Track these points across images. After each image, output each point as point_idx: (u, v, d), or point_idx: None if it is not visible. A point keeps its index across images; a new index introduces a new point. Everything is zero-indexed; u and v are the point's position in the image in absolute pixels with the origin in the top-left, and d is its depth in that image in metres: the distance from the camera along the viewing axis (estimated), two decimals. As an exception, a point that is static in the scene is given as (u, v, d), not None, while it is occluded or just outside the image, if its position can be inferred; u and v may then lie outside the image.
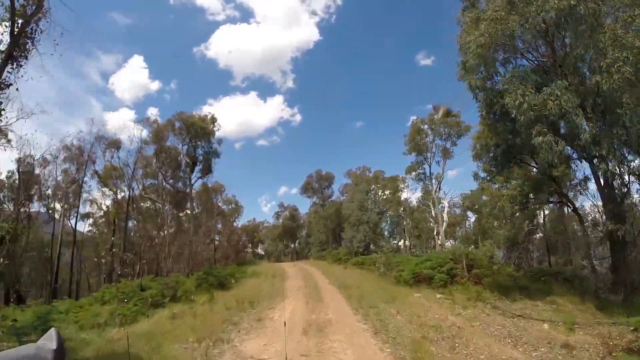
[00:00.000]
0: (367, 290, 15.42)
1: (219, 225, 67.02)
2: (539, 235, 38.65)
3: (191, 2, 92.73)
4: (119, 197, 38.15)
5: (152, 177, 38.97)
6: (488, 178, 14.16)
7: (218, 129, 37.08)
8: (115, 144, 30.39)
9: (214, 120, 36.06)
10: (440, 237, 43.24)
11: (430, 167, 44.23)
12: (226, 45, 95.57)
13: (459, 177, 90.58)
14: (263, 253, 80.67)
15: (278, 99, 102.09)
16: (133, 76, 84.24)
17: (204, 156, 36.46)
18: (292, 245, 73.30)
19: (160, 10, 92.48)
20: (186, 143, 36.65)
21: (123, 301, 12.94)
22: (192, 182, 36.25)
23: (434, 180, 43.48)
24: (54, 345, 0.93)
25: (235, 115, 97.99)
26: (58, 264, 32.43)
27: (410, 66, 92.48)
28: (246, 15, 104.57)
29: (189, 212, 43.11)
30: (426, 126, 42.45)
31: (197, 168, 38.08)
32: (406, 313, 11.58)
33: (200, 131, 35.76)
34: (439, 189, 43.01)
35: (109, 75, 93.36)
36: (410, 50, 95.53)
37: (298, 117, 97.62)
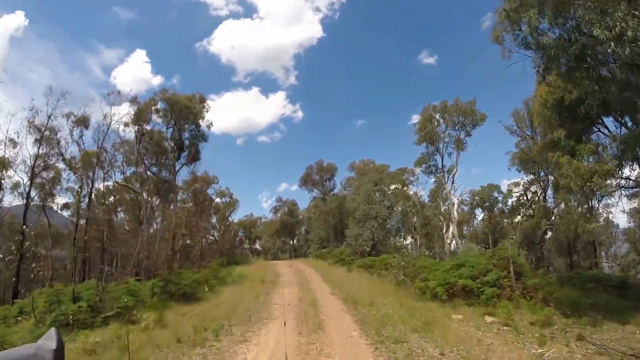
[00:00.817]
0: (385, 307, 11.14)
1: (214, 220, 63.27)
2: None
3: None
4: (99, 185, 33.97)
5: (136, 164, 34.75)
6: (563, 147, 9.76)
7: (207, 110, 32.85)
8: (83, 121, 26.01)
9: (202, 100, 31.85)
10: (450, 235, 39.28)
11: (442, 159, 40.14)
12: (229, 41, 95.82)
13: (465, 173, 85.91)
14: (260, 249, 76.76)
15: (280, 95, 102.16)
16: (135, 71, 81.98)
17: (190, 140, 32.23)
18: (291, 242, 69.01)
19: (163, 5, 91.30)
20: (171, 125, 32.41)
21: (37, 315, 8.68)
22: (177, 169, 32.01)
23: (445, 174, 39.51)
24: (53, 345, 0.91)
25: (237, 111, 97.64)
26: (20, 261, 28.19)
27: (413, 65, 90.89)
28: (249, 11, 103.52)
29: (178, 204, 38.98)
30: (438, 115, 38.43)
31: (183, 154, 33.95)
32: (453, 355, 7.33)
33: (186, 112, 31.51)
34: (452, 182, 38.97)
35: (111, 70, 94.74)
36: (413, 48, 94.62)
37: (300, 114, 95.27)
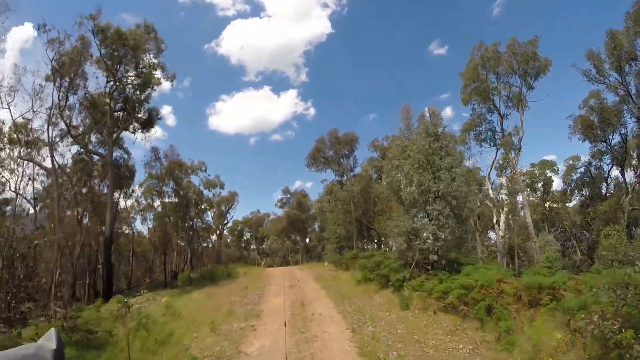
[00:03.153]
0: None
1: (209, 218, 52.72)
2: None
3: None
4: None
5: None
6: None
7: (164, 50, 22.02)
8: None
9: (150, 30, 20.94)
10: (502, 227, 27.63)
11: (502, 121, 28.66)
12: (238, 41, 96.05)
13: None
14: (268, 251, 66.06)
15: (292, 93, 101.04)
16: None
17: (134, 94, 21.56)
18: (304, 241, 57.33)
19: (170, 9, 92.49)
20: (111, 77, 21.69)
21: None
22: (114, 137, 21.25)
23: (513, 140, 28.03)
24: (53, 345, 0.91)
25: (249, 111, 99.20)
26: None
27: (424, 56, 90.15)
28: (257, 10, 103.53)
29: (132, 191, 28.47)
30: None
31: (138, 126, 23.31)
32: None
33: (128, 51, 20.75)
34: (519, 152, 27.39)
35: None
36: (423, 39, 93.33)
37: (312, 111, 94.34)
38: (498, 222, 28.29)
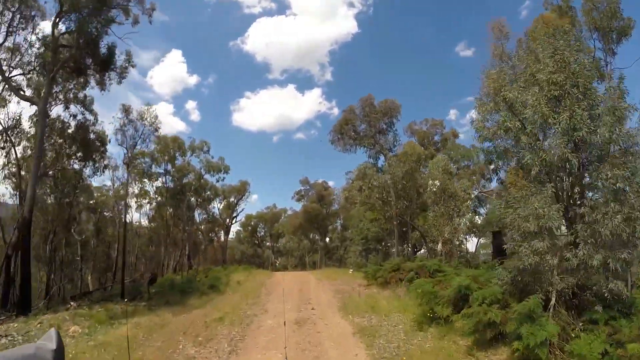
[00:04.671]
0: None
1: (216, 210, 46.08)
2: None
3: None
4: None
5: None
6: None
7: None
8: None
9: None
10: None
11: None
12: (263, 38, 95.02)
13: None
14: (282, 250, 59.15)
15: (316, 92, 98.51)
16: (172, 70, 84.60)
17: (79, 21, 14.79)
18: (324, 241, 49.60)
19: (197, 6, 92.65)
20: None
21: None
22: (52, 75, 14.51)
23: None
24: (53, 345, 0.92)
25: (273, 109, 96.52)
26: None
27: (450, 58, 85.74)
28: (282, 8, 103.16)
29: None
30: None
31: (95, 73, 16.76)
32: None
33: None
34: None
35: (147, 71, 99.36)
36: (449, 41, 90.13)
37: (336, 111, 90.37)
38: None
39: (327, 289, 15.59)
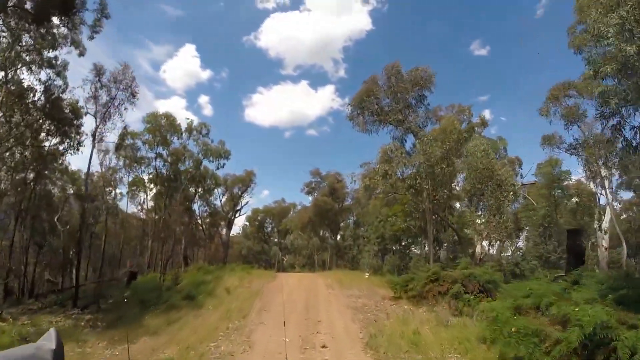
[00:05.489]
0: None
1: (218, 202, 42.39)
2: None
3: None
4: None
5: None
6: None
7: None
8: None
9: None
10: (604, 235, 20.28)
11: None
12: (276, 34, 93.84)
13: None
14: (290, 248, 55.29)
15: (329, 89, 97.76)
16: (185, 65, 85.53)
17: None
18: (336, 239, 45.19)
19: (210, 0, 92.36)
20: None
21: None
22: None
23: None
24: (53, 345, 0.91)
25: (285, 105, 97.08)
26: None
27: (464, 56, 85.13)
28: (296, 3, 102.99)
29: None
30: None
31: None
32: None
33: None
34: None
35: (160, 65, 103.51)
36: (463, 39, 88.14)
37: (349, 108, 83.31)
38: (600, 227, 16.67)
39: (342, 304, 11.59)
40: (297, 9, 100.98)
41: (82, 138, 20.04)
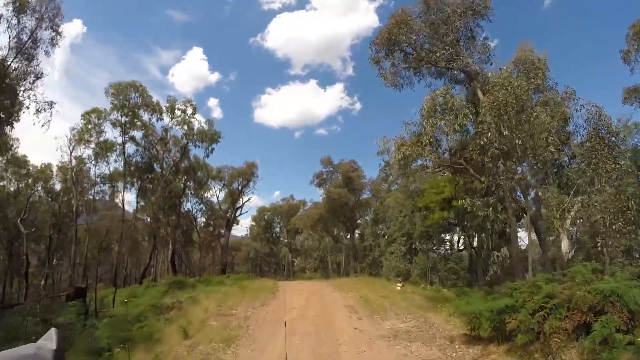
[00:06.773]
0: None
1: (215, 199, 36.87)
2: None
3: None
4: None
5: None
6: None
7: None
8: None
9: None
10: None
11: None
12: (283, 34, 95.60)
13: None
14: (300, 249, 49.67)
15: (338, 87, 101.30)
16: (193, 68, 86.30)
17: None
18: (352, 238, 39.04)
19: (216, 3, 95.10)
20: None
21: None
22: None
23: None
24: (53, 345, 0.90)
25: (294, 105, 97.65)
26: None
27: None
28: (302, 2, 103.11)
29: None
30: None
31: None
32: None
33: None
34: None
35: (168, 69, 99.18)
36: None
37: (358, 106, 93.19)
38: None
39: (368, 341, 5.92)
40: (303, 8, 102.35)
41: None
